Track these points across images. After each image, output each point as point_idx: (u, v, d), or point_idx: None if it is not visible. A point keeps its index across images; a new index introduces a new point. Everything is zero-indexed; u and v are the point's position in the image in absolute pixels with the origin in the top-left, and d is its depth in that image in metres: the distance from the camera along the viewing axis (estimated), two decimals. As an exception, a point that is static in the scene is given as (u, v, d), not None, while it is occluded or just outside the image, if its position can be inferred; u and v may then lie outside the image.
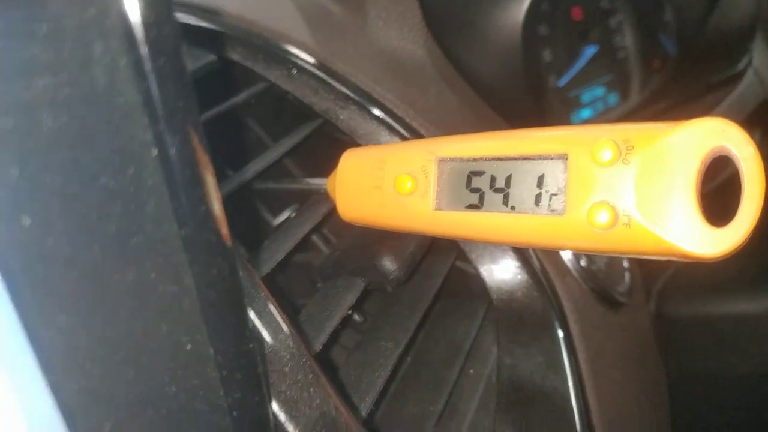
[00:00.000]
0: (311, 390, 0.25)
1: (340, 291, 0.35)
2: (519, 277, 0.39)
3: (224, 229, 0.21)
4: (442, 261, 0.41)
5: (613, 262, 0.48)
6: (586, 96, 0.69)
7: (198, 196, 0.20)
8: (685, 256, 0.25)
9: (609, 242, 0.27)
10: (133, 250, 0.19)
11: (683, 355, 0.72)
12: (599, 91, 0.71)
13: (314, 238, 0.46)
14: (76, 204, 0.18)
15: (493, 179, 0.30)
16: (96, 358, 0.19)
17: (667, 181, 0.25)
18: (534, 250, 0.42)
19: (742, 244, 0.24)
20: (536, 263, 0.41)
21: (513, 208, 0.29)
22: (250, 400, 0.23)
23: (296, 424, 0.24)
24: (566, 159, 0.28)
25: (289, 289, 0.45)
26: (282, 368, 0.25)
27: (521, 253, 0.40)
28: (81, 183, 0.18)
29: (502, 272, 0.39)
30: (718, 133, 0.25)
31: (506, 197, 0.30)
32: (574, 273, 0.43)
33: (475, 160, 0.31)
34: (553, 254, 0.43)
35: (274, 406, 0.24)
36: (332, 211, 0.38)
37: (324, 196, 0.39)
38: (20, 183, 0.17)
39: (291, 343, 0.26)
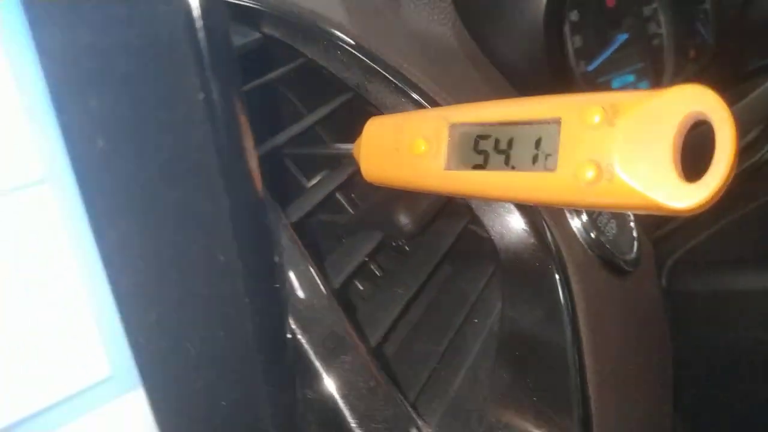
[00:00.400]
0: (324, 312, 0.30)
1: (359, 241, 0.40)
2: (527, 240, 0.42)
3: (254, 162, 0.25)
4: (455, 223, 0.44)
5: (622, 232, 0.50)
6: (616, 82, 0.71)
7: (234, 132, 0.24)
8: (661, 209, 0.28)
9: (594, 196, 0.30)
10: (181, 173, 0.23)
11: (693, 328, 0.73)
12: (630, 78, 0.72)
13: (343, 201, 0.51)
14: (138, 132, 0.23)
15: (497, 142, 0.34)
16: (146, 258, 0.23)
17: (647, 141, 0.28)
18: (545, 219, 0.45)
19: (712, 198, 0.27)
20: (545, 230, 0.44)
21: (513, 167, 0.33)
22: (271, 311, 0.27)
23: (309, 337, 0.29)
24: (560, 123, 0.31)
25: (318, 247, 0.49)
26: (299, 295, 0.30)
27: (531, 219, 0.43)
28: (142, 115, 0.23)
29: (512, 235, 0.43)
30: (695, 99, 0.27)
31: (507, 158, 0.33)
32: (582, 242, 0.46)
33: (482, 125, 0.35)
34: (563, 223, 0.46)
35: (291, 320, 0.29)
36: (358, 176, 0.42)
37: (351, 160, 0.43)
38: (98, 112, 0.22)
39: (310, 275, 0.31)
